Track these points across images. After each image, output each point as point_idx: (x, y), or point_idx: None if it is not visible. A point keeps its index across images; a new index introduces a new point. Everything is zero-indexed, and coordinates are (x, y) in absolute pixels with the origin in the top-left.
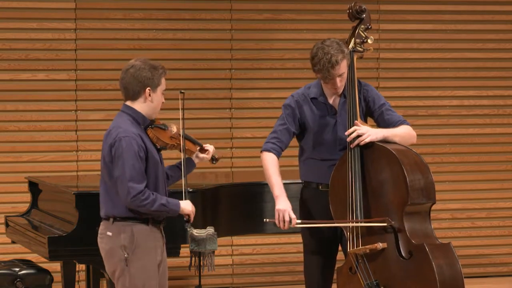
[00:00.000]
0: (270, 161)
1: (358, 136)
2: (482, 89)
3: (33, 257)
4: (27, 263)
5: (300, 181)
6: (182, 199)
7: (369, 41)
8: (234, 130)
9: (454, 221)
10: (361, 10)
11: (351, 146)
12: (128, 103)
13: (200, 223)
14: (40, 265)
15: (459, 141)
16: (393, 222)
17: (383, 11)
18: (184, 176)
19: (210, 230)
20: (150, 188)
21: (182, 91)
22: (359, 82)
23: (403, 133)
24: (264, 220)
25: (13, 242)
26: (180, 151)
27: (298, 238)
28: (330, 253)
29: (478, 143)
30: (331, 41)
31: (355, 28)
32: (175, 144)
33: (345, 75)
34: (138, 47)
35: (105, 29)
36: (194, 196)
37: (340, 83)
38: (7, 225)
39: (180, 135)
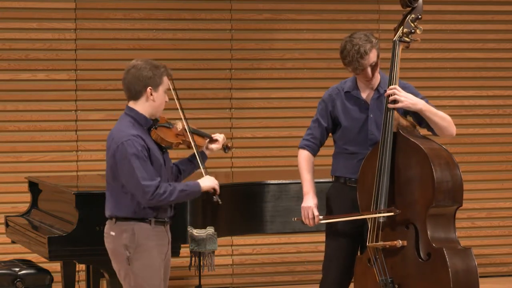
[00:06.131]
0: (302, 157)
1: (395, 100)
2: (482, 89)
3: (33, 257)
4: (27, 263)
5: (299, 181)
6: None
7: (418, 31)
8: (234, 130)
9: None
10: None
11: (388, 105)
12: (131, 104)
13: (200, 223)
14: (40, 265)
15: (459, 141)
16: (398, 211)
17: (383, 11)
18: (202, 164)
19: (210, 230)
20: None
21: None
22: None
23: (444, 117)
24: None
25: (13, 242)
26: (188, 147)
27: (298, 238)
28: (352, 251)
29: (478, 143)
30: (358, 34)
31: (405, 16)
32: (181, 141)
33: (377, 66)
34: (138, 47)
35: (105, 29)
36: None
37: (372, 73)
38: (7, 225)
39: (186, 130)
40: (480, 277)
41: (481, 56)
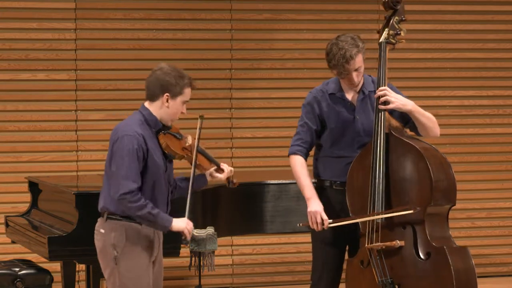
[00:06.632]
0: (297, 163)
1: (385, 102)
2: (482, 89)
3: (33, 257)
4: (27, 263)
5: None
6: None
7: (402, 33)
8: (234, 130)
9: (454, 221)
10: (397, 1)
11: (378, 106)
12: (146, 103)
13: (200, 223)
14: (40, 265)
15: (459, 141)
16: (418, 208)
17: (383, 11)
18: (190, 192)
19: (210, 230)
20: (146, 192)
21: (202, 116)
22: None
23: (430, 117)
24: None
25: (13, 242)
26: (191, 164)
27: (298, 238)
28: (339, 253)
29: (478, 143)
30: (345, 36)
31: (389, 18)
32: (185, 156)
33: (362, 70)
34: (138, 47)
35: (105, 29)
36: (194, 196)
37: (357, 78)
38: (7, 225)
39: (194, 148)
40: (480, 277)
41: (481, 56)
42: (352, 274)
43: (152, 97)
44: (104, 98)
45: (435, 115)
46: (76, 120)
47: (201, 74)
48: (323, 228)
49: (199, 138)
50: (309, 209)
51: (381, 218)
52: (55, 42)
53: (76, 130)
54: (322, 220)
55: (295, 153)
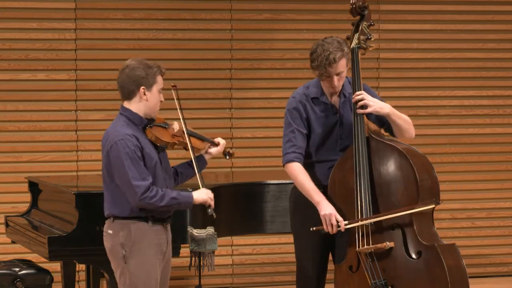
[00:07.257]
0: (297, 170)
1: (363, 106)
2: (482, 89)
3: (33, 257)
4: (27, 263)
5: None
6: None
7: (372, 38)
8: (234, 130)
9: (454, 221)
10: (364, 6)
11: (356, 111)
12: (125, 104)
13: (200, 223)
14: (40, 265)
15: (459, 141)
16: (440, 202)
17: (383, 11)
18: (198, 172)
19: (210, 230)
20: None
21: (173, 84)
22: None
23: (406, 119)
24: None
25: (13, 242)
26: (185, 148)
27: None
28: (323, 258)
29: (478, 143)
30: (332, 39)
31: (357, 24)
32: (177, 142)
33: (344, 75)
34: (138, 47)
35: (105, 29)
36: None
37: (338, 82)
38: (7, 225)
39: (183, 132)
40: (480, 277)
41: (481, 56)
42: (340, 278)
43: (129, 96)
44: (104, 98)
45: (435, 115)
46: (76, 120)
47: (201, 74)
48: (339, 230)
49: (184, 122)
50: (322, 213)
51: (371, 223)
52: (55, 42)
53: (76, 130)
54: (338, 222)
55: (292, 161)
